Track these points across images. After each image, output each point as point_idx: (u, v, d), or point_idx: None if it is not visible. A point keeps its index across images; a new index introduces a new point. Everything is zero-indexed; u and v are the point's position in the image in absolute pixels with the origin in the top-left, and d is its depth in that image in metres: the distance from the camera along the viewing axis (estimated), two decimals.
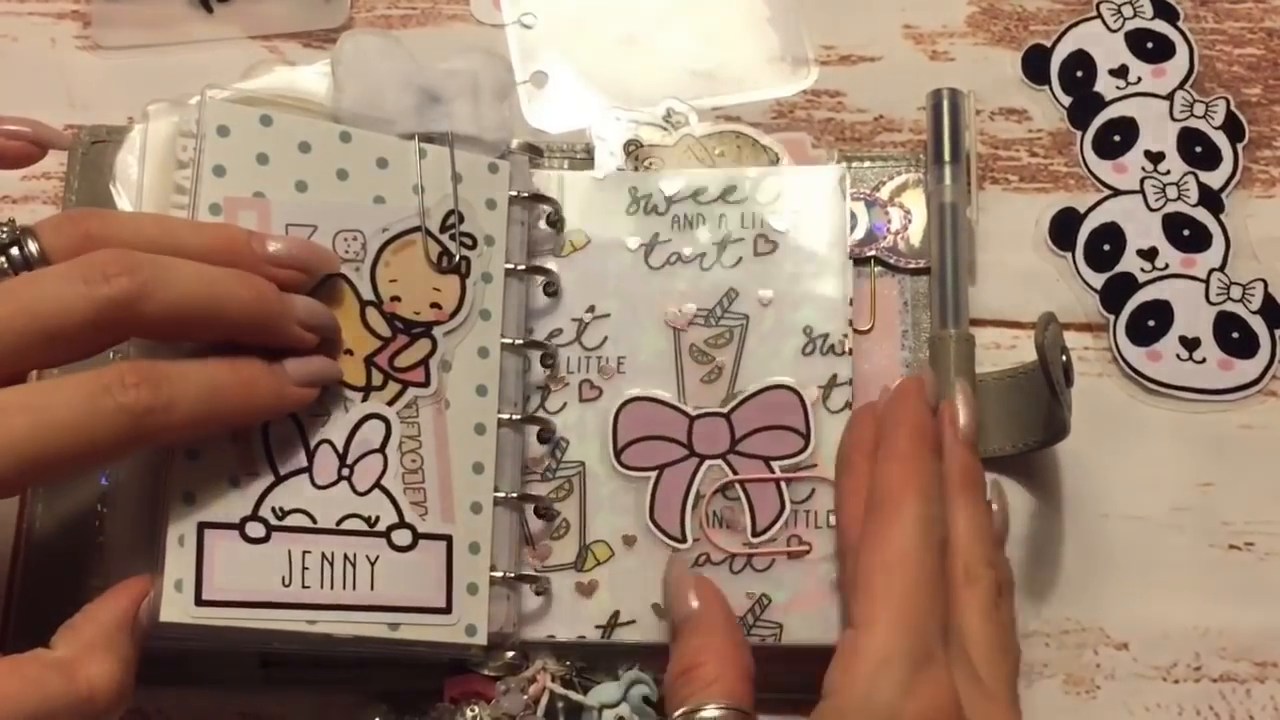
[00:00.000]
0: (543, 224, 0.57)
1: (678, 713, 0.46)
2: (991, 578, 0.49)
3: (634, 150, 0.59)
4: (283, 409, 0.48)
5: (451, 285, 0.53)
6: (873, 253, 0.58)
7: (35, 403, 0.42)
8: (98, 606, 0.46)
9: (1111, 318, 0.59)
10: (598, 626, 0.53)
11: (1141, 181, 0.61)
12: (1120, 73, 0.63)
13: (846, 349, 0.55)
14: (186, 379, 0.45)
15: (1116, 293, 0.59)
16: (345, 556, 0.49)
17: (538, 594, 0.53)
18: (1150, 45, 0.63)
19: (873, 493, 0.49)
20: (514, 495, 0.53)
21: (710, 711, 0.46)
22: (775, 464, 0.54)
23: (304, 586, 0.48)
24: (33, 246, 0.45)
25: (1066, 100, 0.62)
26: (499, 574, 0.52)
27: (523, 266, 0.55)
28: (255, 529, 0.48)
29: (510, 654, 0.52)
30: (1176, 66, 0.63)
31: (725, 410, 0.55)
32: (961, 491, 0.50)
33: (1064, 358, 0.53)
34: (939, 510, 0.48)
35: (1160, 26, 0.63)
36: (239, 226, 0.49)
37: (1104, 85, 0.62)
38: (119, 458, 0.46)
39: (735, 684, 0.47)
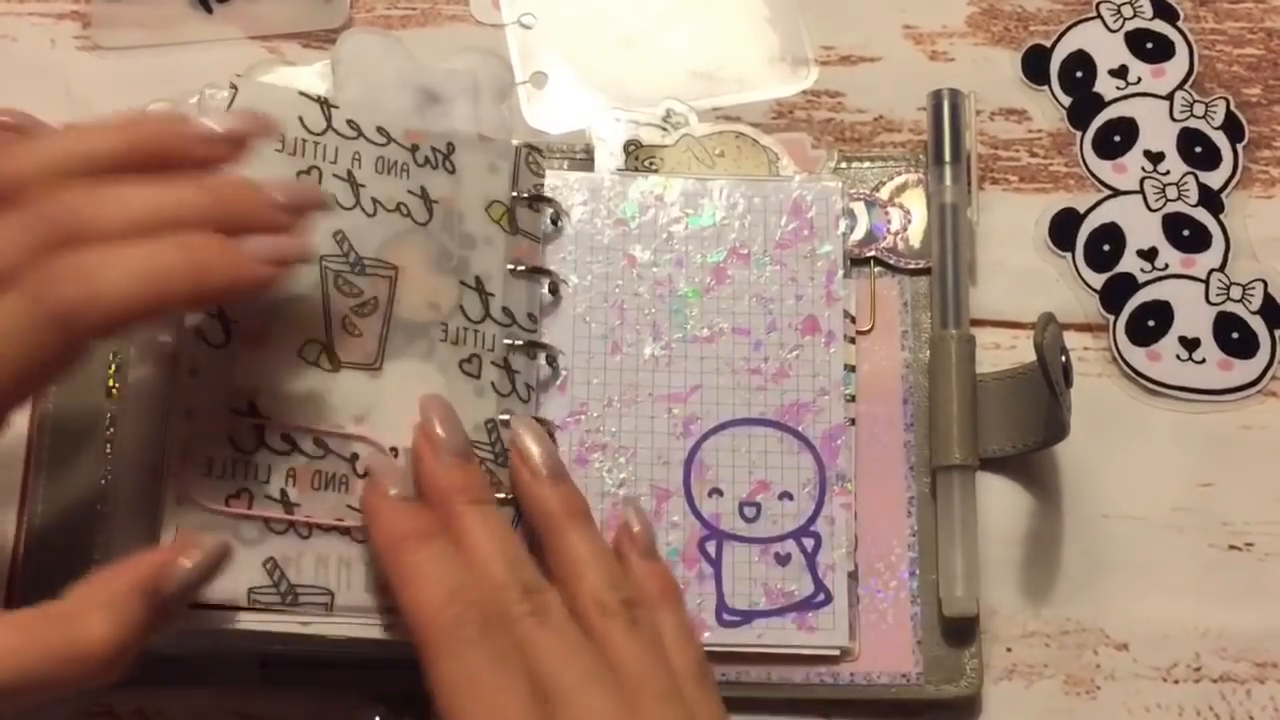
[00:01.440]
0: (545, 224, 0.57)
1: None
2: (619, 600, 0.46)
3: (634, 150, 0.59)
4: (241, 290, 0.44)
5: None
6: (873, 253, 0.58)
7: None
8: (112, 568, 0.43)
9: (1111, 318, 0.59)
10: None
11: (1141, 182, 0.61)
12: (1120, 73, 0.63)
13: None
14: (120, 265, 0.41)
15: (1116, 293, 0.59)
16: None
17: None
18: (1150, 45, 0.63)
19: (412, 628, 0.45)
20: (513, 495, 0.53)
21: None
22: None
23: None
24: None
25: (1066, 100, 0.62)
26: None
27: (523, 267, 0.55)
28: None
29: None
30: (1176, 67, 0.63)
31: None
32: (568, 526, 0.48)
33: (1063, 358, 0.53)
34: (466, 596, 0.44)
35: (1160, 27, 0.63)
36: (159, 117, 0.47)
37: (1104, 85, 0.62)
38: (63, 363, 0.42)
39: None
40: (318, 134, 0.52)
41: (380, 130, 0.53)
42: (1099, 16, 0.64)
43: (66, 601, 0.42)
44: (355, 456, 0.50)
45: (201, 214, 0.43)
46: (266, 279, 0.44)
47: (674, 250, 0.57)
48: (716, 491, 0.55)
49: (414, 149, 0.54)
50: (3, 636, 0.40)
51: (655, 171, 0.59)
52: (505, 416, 0.52)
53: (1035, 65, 0.63)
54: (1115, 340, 0.59)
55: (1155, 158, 0.61)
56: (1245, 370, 0.58)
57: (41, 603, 0.42)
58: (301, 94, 0.53)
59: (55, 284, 0.40)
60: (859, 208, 0.59)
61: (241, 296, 0.46)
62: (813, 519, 0.54)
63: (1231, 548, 0.57)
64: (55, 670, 0.40)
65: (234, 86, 0.52)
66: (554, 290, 0.56)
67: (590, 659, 0.44)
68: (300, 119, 0.52)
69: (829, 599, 0.53)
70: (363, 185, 0.52)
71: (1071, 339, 0.58)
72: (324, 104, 0.53)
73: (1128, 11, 0.63)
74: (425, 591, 0.44)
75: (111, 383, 0.55)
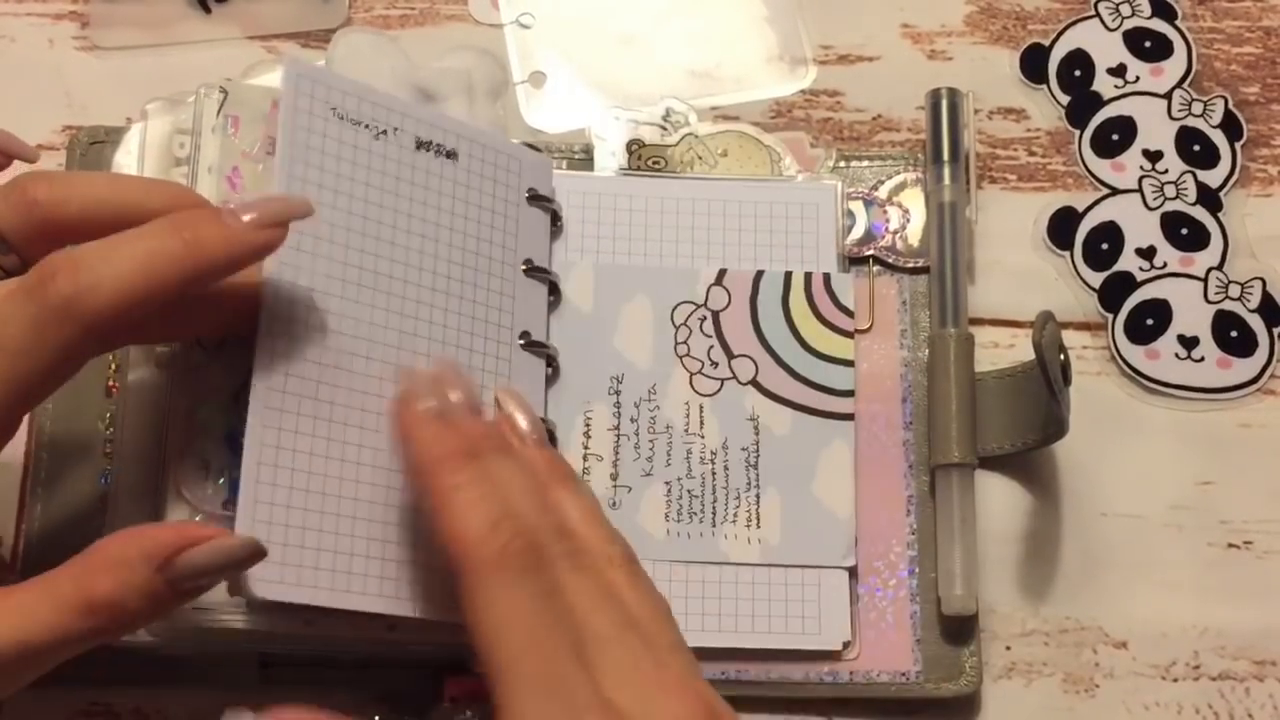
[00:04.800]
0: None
1: None
2: (623, 550, 0.45)
3: (637, 150, 0.59)
4: (242, 257, 0.43)
5: None
6: (871, 252, 0.58)
7: None
8: (135, 531, 0.42)
9: (1110, 316, 0.59)
10: None
11: (1140, 180, 0.61)
12: (1118, 72, 0.63)
13: None
14: (113, 254, 0.41)
15: (1115, 292, 0.59)
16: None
17: None
18: (1148, 44, 0.63)
19: (447, 552, 0.43)
20: None
21: None
22: None
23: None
24: None
25: (1065, 99, 0.62)
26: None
27: (523, 268, 0.55)
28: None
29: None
30: (1175, 65, 0.63)
31: None
32: (559, 485, 0.46)
33: (1062, 357, 0.53)
34: (510, 525, 0.43)
35: (1158, 25, 0.63)
36: (192, 190, 0.48)
37: (1102, 84, 0.62)
38: (71, 359, 0.42)
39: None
40: None
41: None
42: (1097, 15, 0.64)
43: (83, 556, 0.42)
44: None
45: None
46: (264, 243, 0.44)
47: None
48: None
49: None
50: (25, 597, 0.41)
51: (659, 171, 0.59)
52: None
53: (1034, 64, 0.63)
54: (1114, 339, 0.59)
55: (1154, 156, 0.61)
56: (1244, 369, 0.58)
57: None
58: None
59: (52, 279, 0.41)
60: (857, 207, 0.59)
61: (242, 265, 0.44)
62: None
63: (1230, 546, 0.57)
64: (68, 623, 0.41)
65: (224, 90, 0.52)
66: (554, 290, 0.56)
67: (618, 609, 0.43)
68: None
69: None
70: None
71: (1070, 338, 0.58)
72: None
73: (1126, 10, 0.63)
74: (468, 517, 0.42)
75: (110, 383, 0.55)
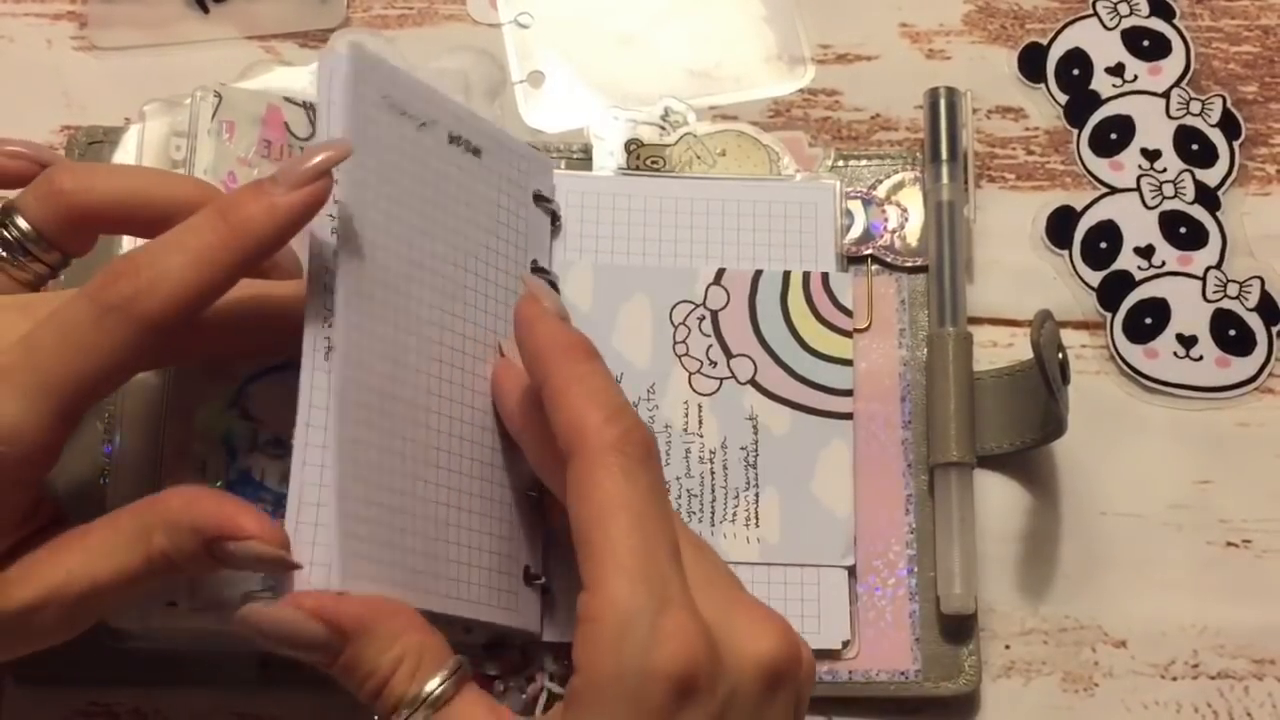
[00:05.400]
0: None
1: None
2: (649, 435, 0.44)
3: (636, 149, 0.59)
4: (289, 223, 0.43)
5: None
6: (870, 251, 0.58)
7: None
8: (196, 495, 0.43)
9: (1109, 315, 0.59)
10: None
11: (1138, 179, 0.61)
12: (1117, 70, 0.63)
13: None
14: (166, 248, 0.42)
15: (1113, 290, 0.59)
16: None
17: (544, 592, 0.53)
18: (1146, 43, 0.63)
19: (561, 436, 0.43)
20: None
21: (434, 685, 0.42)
22: None
23: None
24: (22, 224, 0.45)
25: (1063, 98, 0.62)
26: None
27: (529, 268, 0.55)
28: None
29: (509, 653, 0.52)
30: (1173, 64, 0.63)
31: None
32: (583, 359, 0.45)
33: (1060, 356, 0.53)
34: (631, 417, 0.43)
35: (1156, 24, 0.63)
36: (211, 185, 0.48)
37: (1100, 83, 0.63)
38: (138, 361, 0.43)
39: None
40: (304, 139, 0.52)
41: None
42: (1095, 14, 0.64)
43: (148, 504, 0.43)
44: None
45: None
46: (309, 200, 0.43)
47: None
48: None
49: None
50: (95, 539, 0.43)
51: (657, 170, 0.59)
52: None
53: (1032, 63, 0.63)
54: (1112, 338, 0.59)
55: (1152, 155, 0.61)
56: (1242, 367, 0.58)
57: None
58: (286, 99, 0.53)
59: (114, 282, 0.41)
60: (856, 206, 0.59)
61: (293, 228, 0.43)
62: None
63: (1229, 545, 0.57)
64: (131, 568, 0.42)
65: (218, 95, 0.52)
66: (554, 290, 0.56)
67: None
68: (285, 125, 0.52)
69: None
70: None
71: (1069, 336, 0.58)
72: (309, 108, 0.52)
73: (1124, 9, 0.63)
74: (591, 401, 0.43)
75: None
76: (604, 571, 0.40)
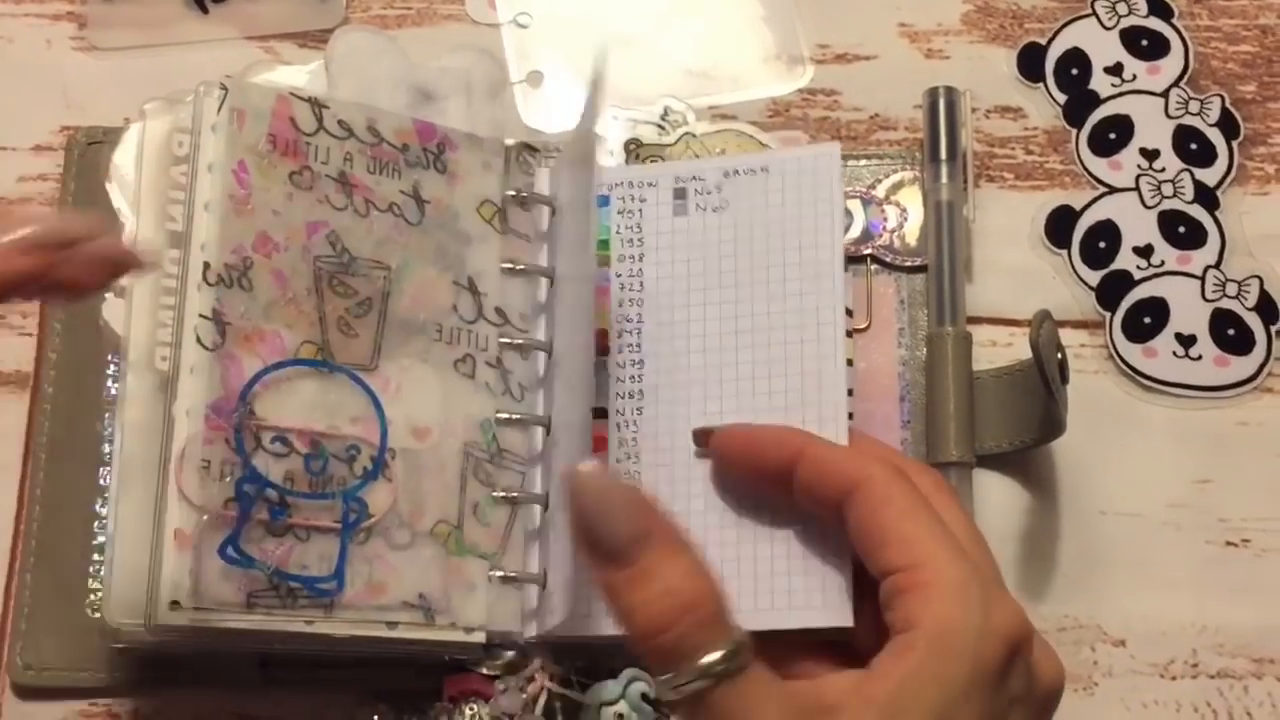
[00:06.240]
0: (541, 222, 0.57)
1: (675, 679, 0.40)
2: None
3: (635, 149, 0.59)
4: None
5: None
6: (869, 251, 0.58)
7: None
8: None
9: (1108, 315, 0.59)
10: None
11: (1137, 179, 0.61)
12: (1115, 70, 0.63)
13: None
14: None
15: (1112, 290, 0.59)
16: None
17: (542, 589, 0.53)
18: (1145, 43, 0.63)
19: (844, 476, 0.46)
20: (514, 494, 0.53)
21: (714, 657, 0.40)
22: None
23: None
24: None
25: (1062, 98, 0.62)
26: (499, 573, 0.52)
27: (521, 266, 0.55)
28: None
29: (509, 653, 0.52)
30: (1171, 64, 0.63)
31: None
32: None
33: (1059, 355, 0.53)
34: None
35: (1155, 24, 0.63)
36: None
37: (1099, 83, 0.63)
38: None
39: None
40: (309, 134, 0.52)
41: (371, 130, 0.53)
42: (1094, 14, 0.64)
43: None
44: (353, 457, 0.50)
45: None
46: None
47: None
48: None
49: (405, 148, 0.54)
50: None
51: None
52: (503, 415, 0.52)
53: (1030, 63, 0.63)
54: (1111, 337, 0.59)
55: (1151, 155, 0.61)
56: (1241, 367, 0.59)
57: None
58: (293, 93, 0.53)
59: None
60: (855, 205, 0.59)
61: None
62: None
63: (1228, 544, 0.57)
64: None
65: (224, 87, 0.52)
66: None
67: None
68: (292, 119, 0.52)
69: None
70: (355, 185, 0.52)
71: (1067, 336, 0.58)
72: (315, 104, 0.53)
73: (1123, 9, 0.64)
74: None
75: (111, 384, 0.55)
76: (926, 550, 0.43)
